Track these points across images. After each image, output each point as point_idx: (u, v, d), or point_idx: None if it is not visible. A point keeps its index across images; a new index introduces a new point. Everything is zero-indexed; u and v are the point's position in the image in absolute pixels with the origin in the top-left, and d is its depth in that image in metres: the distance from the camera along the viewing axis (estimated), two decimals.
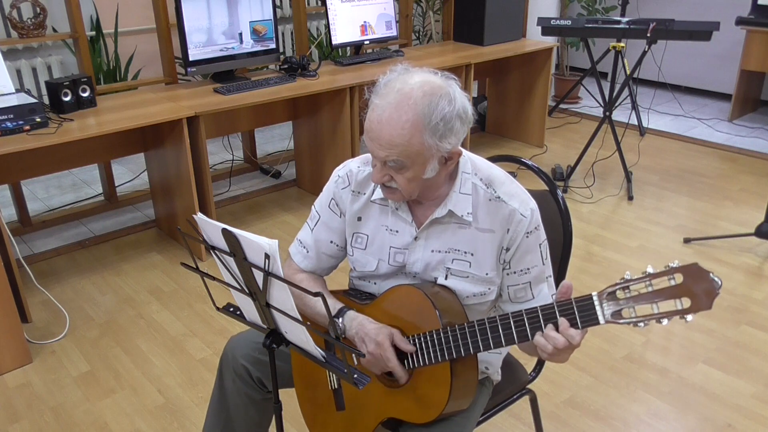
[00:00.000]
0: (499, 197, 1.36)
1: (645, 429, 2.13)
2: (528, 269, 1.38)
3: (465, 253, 1.38)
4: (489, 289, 1.40)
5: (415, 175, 1.28)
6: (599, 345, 2.54)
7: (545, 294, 1.41)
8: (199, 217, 1.20)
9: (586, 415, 2.19)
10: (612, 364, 2.44)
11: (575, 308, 1.16)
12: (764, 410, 2.20)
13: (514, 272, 1.39)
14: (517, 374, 1.69)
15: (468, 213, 1.36)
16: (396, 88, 1.24)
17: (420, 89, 1.23)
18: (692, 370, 2.39)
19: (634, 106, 4.84)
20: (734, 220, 3.50)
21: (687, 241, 3.27)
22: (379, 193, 1.42)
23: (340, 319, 1.39)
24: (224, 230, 1.15)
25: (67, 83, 2.87)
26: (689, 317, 1.06)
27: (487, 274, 1.38)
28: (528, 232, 1.36)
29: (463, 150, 1.37)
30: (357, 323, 1.37)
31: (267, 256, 1.10)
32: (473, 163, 1.40)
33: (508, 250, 1.37)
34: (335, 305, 1.42)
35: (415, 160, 1.25)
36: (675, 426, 2.14)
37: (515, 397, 1.68)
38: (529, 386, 1.72)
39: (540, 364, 1.76)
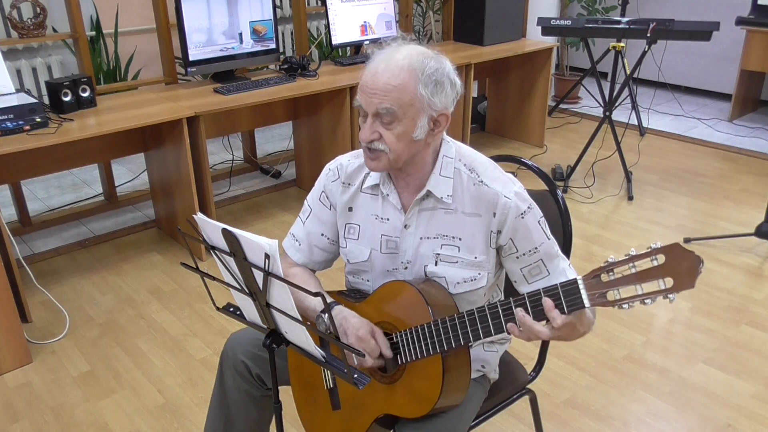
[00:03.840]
0: (482, 181, 1.38)
1: (645, 429, 2.13)
2: (536, 248, 1.39)
3: (453, 237, 1.40)
4: (479, 274, 1.41)
5: (404, 130, 1.30)
6: (599, 345, 2.54)
7: (562, 268, 1.42)
8: (199, 217, 1.21)
9: (586, 415, 2.19)
10: (612, 364, 2.44)
11: (561, 292, 1.18)
12: (764, 410, 2.20)
13: (523, 254, 1.40)
14: (516, 374, 1.69)
15: (448, 195, 1.38)
16: (391, 49, 1.33)
17: (413, 49, 1.32)
18: (692, 370, 2.39)
19: (634, 106, 4.84)
20: (734, 220, 3.50)
21: (687, 241, 3.27)
22: (368, 182, 1.45)
23: (325, 315, 1.40)
24: (224, 230, 1.15)
25: (67, 83, 2.87)
26: (672, 296, 1.07)
27: (476, 257, 1.39)
28: (522, 213, 1.37)
29: (448, 137, 1.42)
30: (342, 317, 1.38)
31: (267, 256, 1.10)
32: (458, 148, 1.43)
33: (500, 233, 1.38)
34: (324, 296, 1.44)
35: (407, 111, 1.29)
36: (675, 426, 2.14)
37: (515, 397, 1.68)
38: (529, 386, 1.72)
39: (540, 364, 1.76)
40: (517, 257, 1.40)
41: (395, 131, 1.30)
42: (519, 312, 1.21)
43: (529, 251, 1.39)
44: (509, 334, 1.26)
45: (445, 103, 1.32)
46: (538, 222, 1.40)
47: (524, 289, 1.44)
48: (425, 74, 1.28)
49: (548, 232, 1.42)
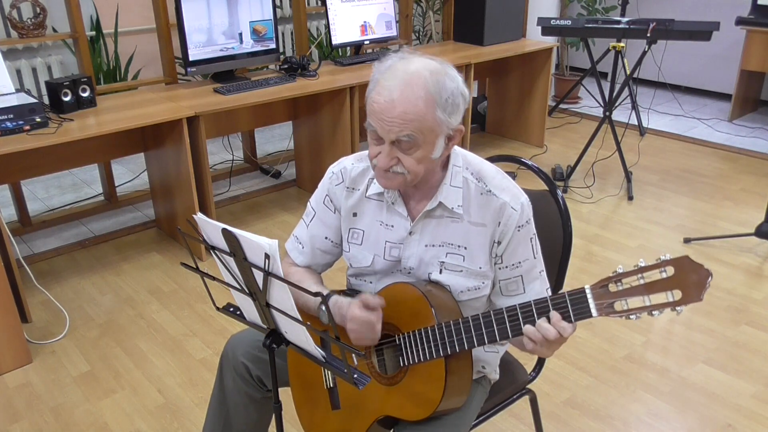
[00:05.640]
0: (490, 191, 1.37)
1: (645, 429, 2.13)
2: (520, 263, 1.39)
3: (458, 247, 1.39)
4: (483, 283, 1.40)
5: (424, 154, 1.28)
6: (599, 345, 2.54)
7: (537, 290, 1.42)
8: (199, 217, 1.20)
9: (586, 415, 2.19)
10: (612, 364, 2.44)
11: (568, 302, 1.17)
12: (764, 410, 2.20)
13: (506, 266, 1.40)
14: (516, 374, 1.69)
15: (459, 206, 1.37)
16: (401, 69, 1.27)
17: (426, 69, 1.27)
18: (692, 370, 2.39)
19: (634, 106, 4.84)
20: (734, 220, 3.50)
21: (687, 241, 3.27)
22: (373, 189, 1.44)
23: (324, 307, 1.39)
24: (224, 230, 1.15)
25: (67, 83, 2.87)
26: (680, 309, 1.07)
27: (480, 267, 1.39)
28: (519, 226, 1.37)
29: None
30: (341, 304, 1.38)
31: (267, 256, 1.10)
32: (464, 157, 1.42)
33: (499, 243, 1.38)
34: (323, 292, 1.43)
35: (427, 136, 1.26)
36: (675, 426, 2.14)
37: (515, 397, 1.68)
38: (529, 386, 1.72)
39: (540, 364, 1.76)
40: (500, 268, 1.40)
41: (416, 156, 1.28)
42: (552, 314, 1.20)
43: (512, 265, 1.39)
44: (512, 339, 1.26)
45: (459, 119, 1.30)
46: (530, 239, 1.39)
47: (498, 301, 1.44)
48: (443, 99, 1.25)
49: (537, 251, 1.41)
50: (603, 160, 4.20)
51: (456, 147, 1.41)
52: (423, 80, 1.24)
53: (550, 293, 1.44)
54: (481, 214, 1.37)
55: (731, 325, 2.65)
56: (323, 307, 1.40)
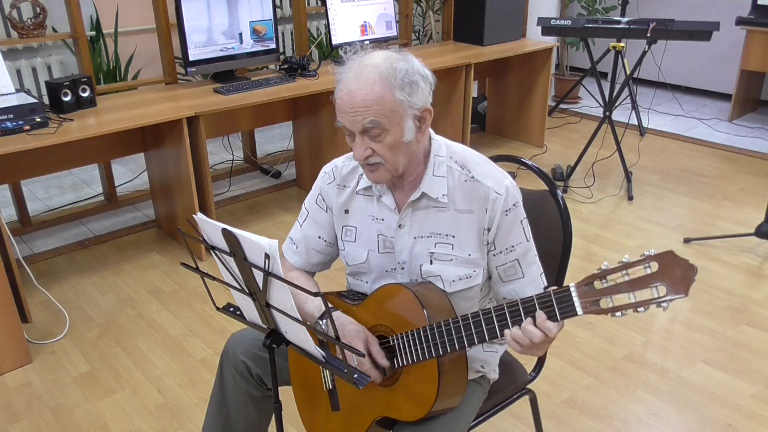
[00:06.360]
0: (473, 177, 1.39)
1: (645, 429, 2.13)
2: (513, 246, 1.40)
3: (446, 236, 1.40)
4: (474, 271, 1.41)
5: (395, 139, 1.30)
6: (599, 345, 2.54)
7: (534, 276, 1.42)
8: (199, 217, 1.21)
9: (586, 415, 2.19)
10: (612, 364, 2.44)
11: (554, 300, 1.17)
12: (764, 410, 2.20)
13: (500, 252, 1.40)
14: (516, 374, 1.69)
15: (443, 195, 1.38)
16: (356, 63, 1.31)
17: (379, 57, 1.31)
18: (692, 370, 2.39)
19: (634, 106, 4.84)
20: (734, 220, 3.50)
21: (687, 241, 3.27)
22: (363, 184, 1.46)
23: (323, 321, 1.41)
24: (224, 230, 1.15)
25: (67, 83, 2.87)
26: (665, 305, 1.06)
27: (469, 255, 1.39)
28: (506, 210, 1.37)
29: (437, 136, 1.42)
30: (339, 324, 1.38)
31: (267, 256, 1.10)
32: (448, 146, 1.43)
33: (489, 230, 1.39)
34: (322, 306, 1.43)
35: (392, 118, 1.28)
36: (675, 426, 2.14)
37: (515, 397, 1.68)
38: (529, 386, 1.72)
39: (540, 364, 1.76)
40: (494, 255, 1.41)
41: (386, 142, 1.30)
42: (537, 314, 1.20)
43: (506, 249, 1.40)
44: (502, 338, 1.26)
45: (424, 100, 1.32)
46: (521, 222, 1.40)
47: (499, 288, 1.45)
48: (398, 79, 1.27)
49: (528, 234, 1.42)
50: (603, 160, 4.20)
51: (439, 137, 1.43)
52: (375, 67, 1.28)
53: (544, 278, 1.45)
54: (467, 201, 1.38)
55: (731, 325, 2.65)
56: (321, 322, 1.40)
